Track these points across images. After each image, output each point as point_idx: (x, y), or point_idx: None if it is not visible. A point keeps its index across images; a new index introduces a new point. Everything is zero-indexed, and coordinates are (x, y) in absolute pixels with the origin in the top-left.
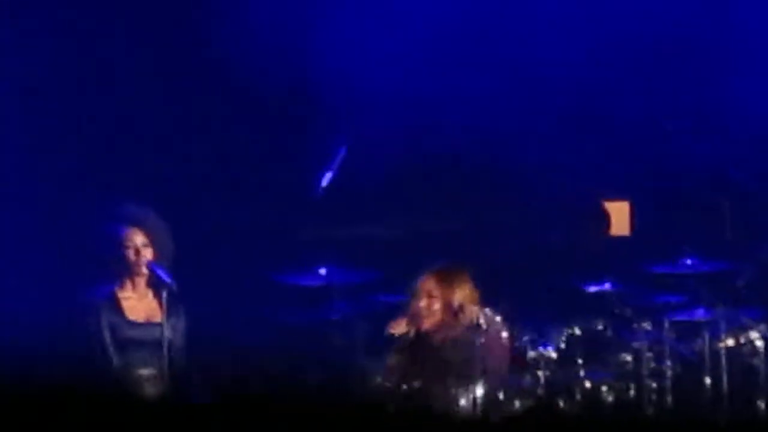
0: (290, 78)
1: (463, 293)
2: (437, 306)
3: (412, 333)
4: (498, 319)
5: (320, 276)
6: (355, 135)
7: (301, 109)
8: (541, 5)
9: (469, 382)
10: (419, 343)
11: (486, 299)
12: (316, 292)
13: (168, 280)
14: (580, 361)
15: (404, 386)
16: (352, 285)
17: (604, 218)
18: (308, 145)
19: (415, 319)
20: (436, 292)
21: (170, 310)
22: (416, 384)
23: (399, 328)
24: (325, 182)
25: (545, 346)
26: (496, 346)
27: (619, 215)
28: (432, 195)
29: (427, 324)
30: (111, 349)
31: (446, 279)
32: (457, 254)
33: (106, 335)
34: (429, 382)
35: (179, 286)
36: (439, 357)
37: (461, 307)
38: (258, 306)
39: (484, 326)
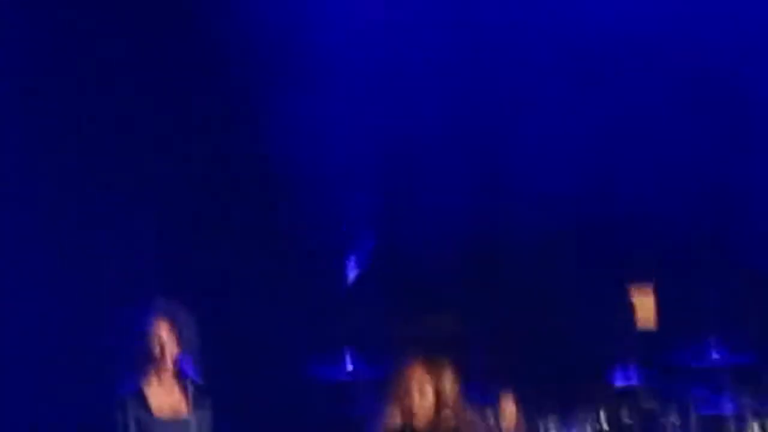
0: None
1: (452, 385)
2: (429, 402)
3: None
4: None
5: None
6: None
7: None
8: None
9: None
10: None
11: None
12: (344, 386)
13: (194, 374)
14: None
15: None
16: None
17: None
18: None
19: (406, 414)
20: (427, 388)
21: (196, 405)
22: None
23: (395, 420)
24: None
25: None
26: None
27: (645, 306)
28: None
29: (421, 420)
30: None
31: (436, 372)
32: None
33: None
34: None
35: (205, 380)
36: None
37: (453, 402)
38: (288, 400)
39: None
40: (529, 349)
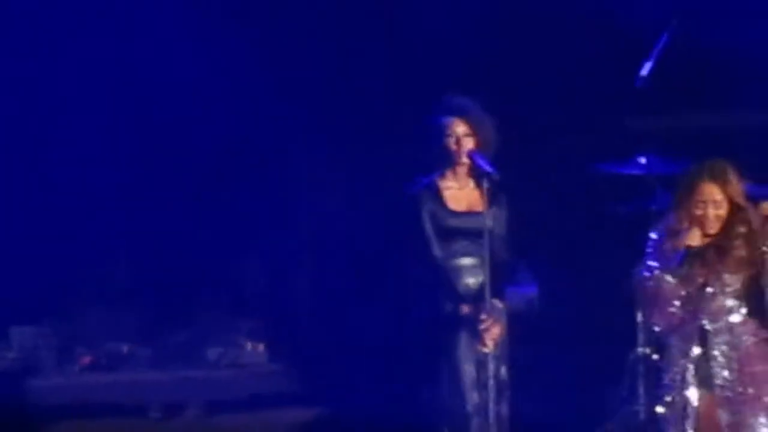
0: None
1: (740, 191)
2: (723, 211)
3: (707, 241)
4: None
5: (641, 165)
6: None
7: None
8: None
9: None
10: (714, 249)
11: None
12: (637, 181)
13: (490, 169)
14: None
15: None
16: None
17: None
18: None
19: (704, 227)
20: (720, 197)
21: (492, 200)
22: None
23: (695, 239)
24: (645, 70)
25: None
26: None
27: None
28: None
29: (715, 229)
30: (432, 239)
31: (724, 179)
32: None
33: (428, 225)
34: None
35: (501, 176)
36: (733, 255)
37: (740, 206)
38: (576, 195)
39: None
40: None
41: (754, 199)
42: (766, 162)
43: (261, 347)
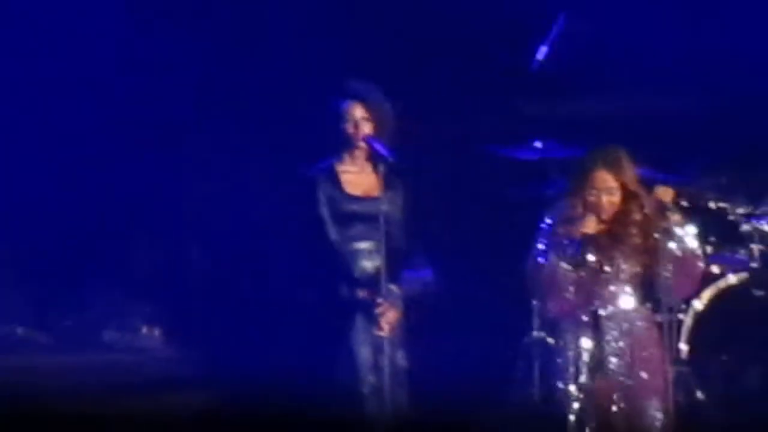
0: None
1: (633, 178)
2: (617, 198)
3: (601, 228)
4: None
5: (537, 149)
6: None
7: None
8: None
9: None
10: (608, 236)
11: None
12: (533, 166)
13: (386, 154)
14: None
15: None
16: (567, 160)
17: None
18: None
19: (598, 213)
20: (613, 184)
21: (388, 185)
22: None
23: (590, 226)
24: (541, 55)
25: (759, 219)
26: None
27: None
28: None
29: (609, 216)
30: (329, 223)
31: (617, 167)
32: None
33: (324, 209)
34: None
35: (398, 161)
36: (628, 242)
37: (633, 192)
38: (476, 180)
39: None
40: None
41: (650, 184)
42: (661, 147)
43: (157, 331)
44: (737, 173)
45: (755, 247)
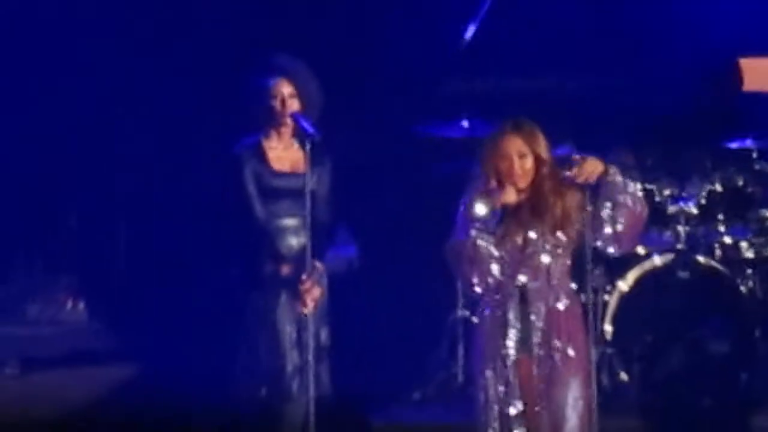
0: None
1: (545, 145)
2: (529, 164)
3: (520, 198)
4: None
5: (463, 128)
6: None
7: None
8: None
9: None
10: (528, 207)
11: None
12: (459, 143)
13: (313, 131)
14: (720, 216)
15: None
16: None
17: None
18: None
19: (512, 181)
20: (525, 149)
21: (314, 161)
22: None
23: (510, 197)
24: (468, 33)
25: (686, 201)
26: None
27: (759, 71)
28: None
29: (524, 183)
30: (255, 199)
31: (527, 133)
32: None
33: (250, 185)
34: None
35: (325, 138)
36: (550, 214)
37: (546, 160)
38: (401, 158)
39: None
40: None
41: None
42: (588, 127)
43: (81, 304)
44: (663, 154)
45: (681, 229)
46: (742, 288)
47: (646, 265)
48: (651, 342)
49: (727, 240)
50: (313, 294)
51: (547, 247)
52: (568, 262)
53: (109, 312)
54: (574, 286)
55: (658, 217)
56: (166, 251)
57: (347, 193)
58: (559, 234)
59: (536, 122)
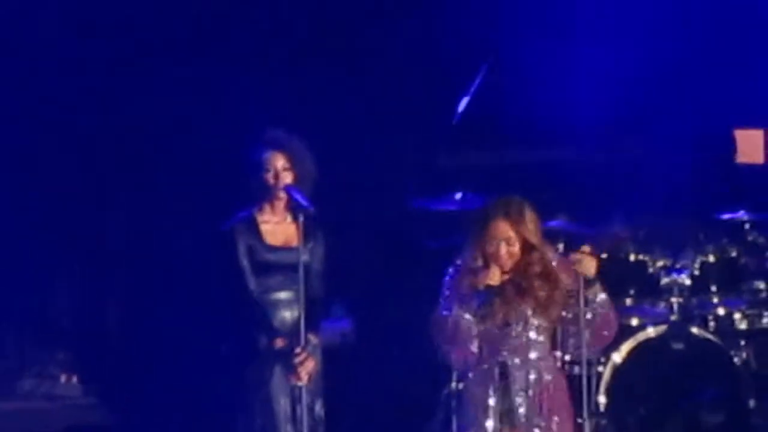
0: None
1: (533, 229)
2: (516, 249)
3: (505, 280)
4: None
5: (456, 201)
6: None
7: None
8: None
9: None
10: (513, 286)
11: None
12: (452, 216)
13: (306, 204)
14: (713, 288)
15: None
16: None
17: (733, 145)
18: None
19: (498, 264)
20: (512, 235)
21: (308, 235)
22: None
23: (494, 278)
24: (462, 107)
25: (679, 272)
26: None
27: (751, 143)
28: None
29: (509, 267)
30: (248, 273)
31: (516, 217)
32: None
33: (244, 258)
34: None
35: (318, 211)
36: (534, 295)
37: (534, 245)
38: (393, 232)
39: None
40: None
41: (570, 236)
42: (582, 199)
43: (75, 379)
44: (656, 226)
45: (674, 300)
46: (736, 359)
47: (640, 337)
48: (645, 413)
49: (721, 311)
50: (308, 367)
51: (529, 326)
52: (548, 341)
53: (104, 387)
54: (557, 355)
55: (651, 288)
56: (161, 326)
57: (341, 266)
58: (542, 316)
59: (530, 195)
